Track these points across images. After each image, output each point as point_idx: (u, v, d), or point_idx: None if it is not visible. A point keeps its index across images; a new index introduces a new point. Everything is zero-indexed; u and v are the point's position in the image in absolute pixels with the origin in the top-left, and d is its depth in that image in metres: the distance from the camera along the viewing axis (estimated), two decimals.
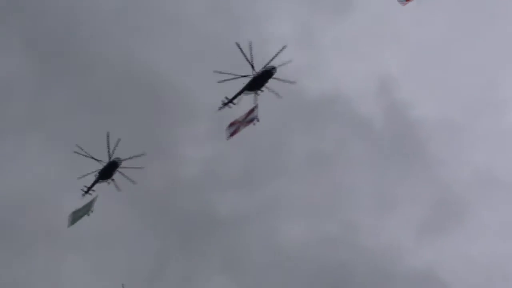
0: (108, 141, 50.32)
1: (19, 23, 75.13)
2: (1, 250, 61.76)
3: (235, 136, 46.36)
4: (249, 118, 45.45)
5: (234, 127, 46.43)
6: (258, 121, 46.25)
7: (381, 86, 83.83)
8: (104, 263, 72.13)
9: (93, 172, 53.23)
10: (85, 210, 49.04)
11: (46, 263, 70.02)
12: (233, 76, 47.09)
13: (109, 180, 52.22)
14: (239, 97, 48.03)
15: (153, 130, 76.04)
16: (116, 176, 53.67)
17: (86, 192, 50.33)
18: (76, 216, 49.14)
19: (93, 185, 51.30)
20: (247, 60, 46.29)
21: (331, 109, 79.32)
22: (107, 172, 52.13)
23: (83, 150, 48.59)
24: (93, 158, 49.44)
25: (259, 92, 47.89)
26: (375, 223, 77.79)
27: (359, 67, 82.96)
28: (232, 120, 47.60)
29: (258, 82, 47.34)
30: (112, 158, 51.72)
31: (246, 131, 75.08)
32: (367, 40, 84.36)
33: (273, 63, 47.66)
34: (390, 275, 72.26)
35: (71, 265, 70.22)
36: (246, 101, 50.43)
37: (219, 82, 46.80)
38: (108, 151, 51.57)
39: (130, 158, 51.15)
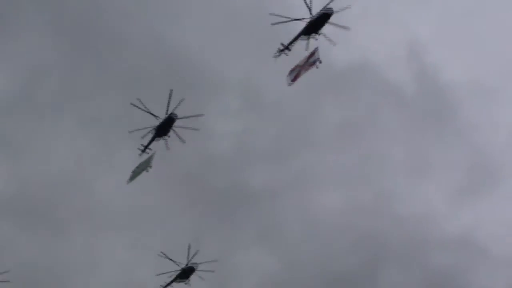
0: (170, 97, 48.89)
1: (48, 7, 75.23)
2: (41, 228, 62.64)
3: (297, 81, 44.58)
4: (311, 60, 43.77)
5: (295, 72, 44.89)
6: (320, 62, 44.31)
7: (410, 52, 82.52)
8: (142, 239, 72.87)
9: (145, 128, 51.73)
10: (144, 166, 48.28)
11: (84, 240, 71.00)
12: (288, 19, 45.27)
13: (166, 137, 51.08)
14: (296, 42, 46.26)
15: (183, 106, 76.13)
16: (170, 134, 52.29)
17: (143, 150, 49.29)
18: (135, 173, 48.48)
19: (150, 143, 50.36)
20: (305, 2, 44.59)
21: (360, 77, 78.35)
22: (164, 128, 50.94)
23: (142, 103, 47.27)
24: (150, 113, 48.18)
25: (316, 36, 45.90)
26: (409, 190, 77.19)
27: (387, 33, 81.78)
28: (292, 66, 45.86)
29: (315, 25, 45.57)
30: (169, 114, 49.95)
31: (276, 102, 74.92)
32: (395, 6, 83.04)
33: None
34: (426, 242, 71.80)
35: (109, 241, 71.05)
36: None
37: (273, 24, 45.05)
38: (167, 107, 50.12)
39: (187, 117, 49.97)
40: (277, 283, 70.41)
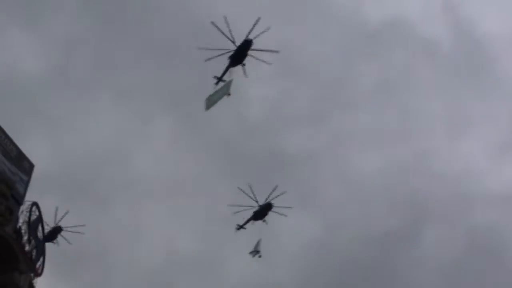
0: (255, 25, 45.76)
1: None
2: (83, 201, 63.20)
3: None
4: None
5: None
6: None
7: (444, 5, 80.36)
8: (182, 206, 73.19)
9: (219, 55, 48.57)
10: (222, 92, 45.60)
11: (125, 211, 71.65)
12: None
13: (243, 63, 48.28)
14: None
15: (217, 73, 75.45)
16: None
17: (219, 80, 46.55)
18: (212, 100, 45.75)
19: (225, 72, 47.92)
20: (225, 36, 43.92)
21: (394, 34, 76.65)
22: (240, 54, 47.98)
23: (218, 28, 44.68)
24: (226, 36, 45.49)
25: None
26: (448, 147, 75.91)
27: None
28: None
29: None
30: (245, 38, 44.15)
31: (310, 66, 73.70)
32: None
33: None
34: (468, 199, 70.71)
35: (150, 210, 71.50)
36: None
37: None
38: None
39: (262, 51, 47.17)
40: (319, 244, 70.34)
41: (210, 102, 44.76)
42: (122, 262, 67.89)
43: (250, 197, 50.01)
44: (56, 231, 46.49)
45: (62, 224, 46.63)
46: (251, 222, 51.53)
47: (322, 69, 73.44)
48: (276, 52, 45.89)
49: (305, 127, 72.63)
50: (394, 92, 75.83)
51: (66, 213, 46.50)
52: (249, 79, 75.46)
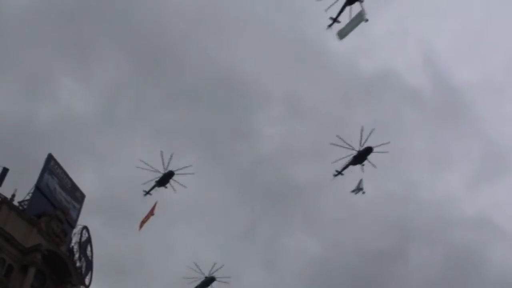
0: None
1: (122, 35, 76.65)
2: (123, 223, 63.86)
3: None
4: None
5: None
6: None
7: (425, 58, 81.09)
8: (206, 228, 73.70)
9: None
10: (357, 21, 38.72)
11: (160, 231, 72.11)
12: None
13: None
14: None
15: (236, 116, 76.54)
16: None
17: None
18: (345, 31, 39.30)
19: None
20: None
21: (384, 83, 77.32)
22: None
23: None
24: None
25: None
26: (431, 178, 76.02)
27: (404, 44, 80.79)
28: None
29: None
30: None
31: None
32: (410, 21, 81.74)
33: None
34: (448, 222, 70.62)
35: (180, 231, 72.05)
36: None
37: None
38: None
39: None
40: (320, 261, 70.43)
41: (343, 32, 38.61)
42: (157, 273, 68.24)
43: (347, 144, 41.29)
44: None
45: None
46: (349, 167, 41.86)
47: (323, 112, 74.24)
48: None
49: (310, 161, 73.21)
50: (385, 132, 76.02)
51: None
52: (261, 119, 76.41)
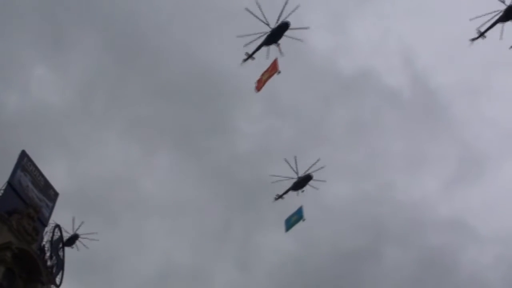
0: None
1: (96, 27, 76.08)
2: (95, 219, 63.77)
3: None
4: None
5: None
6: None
7: (404, 59, 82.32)
8: (179, 226, 73.98)
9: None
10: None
11: (131, 227, 72.30)
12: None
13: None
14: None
15: (214, 113, 76.68)
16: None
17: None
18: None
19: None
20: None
21: (363, 83, 78.33)
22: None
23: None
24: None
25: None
26: (407, 180, 77.43)
27: (384, 44, 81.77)
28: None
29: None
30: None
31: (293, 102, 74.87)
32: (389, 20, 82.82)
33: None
34: (422, 224, 72.07)
35: (152, 228, 72.22)
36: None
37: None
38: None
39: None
40: (295, 259, 71.29)
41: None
42: (127, 270, 68.42)
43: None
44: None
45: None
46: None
47: (303, 111, 74.97)
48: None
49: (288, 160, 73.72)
50: (363, 132, 77.33)
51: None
52: (239, 117, 76.83)
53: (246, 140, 75.17)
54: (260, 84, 40.38)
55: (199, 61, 74.96)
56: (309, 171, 46.28)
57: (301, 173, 46.19)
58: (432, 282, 68.46)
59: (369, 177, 75.63)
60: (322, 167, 46.11)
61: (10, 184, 34.19)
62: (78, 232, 46.21)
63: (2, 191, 34.01)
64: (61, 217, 38.84)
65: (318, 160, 45.86)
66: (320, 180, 46.68)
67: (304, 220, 45.16)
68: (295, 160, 46.18)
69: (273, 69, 39.75)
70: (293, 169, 46.14)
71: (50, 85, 74.16)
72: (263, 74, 40.36)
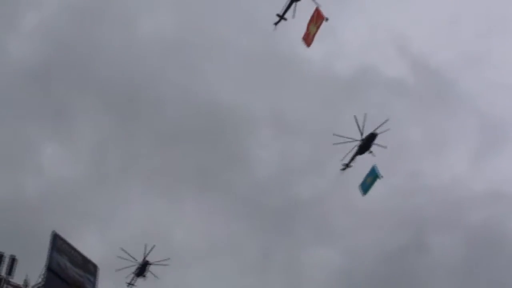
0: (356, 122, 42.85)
1: (93, 89, 76.58)
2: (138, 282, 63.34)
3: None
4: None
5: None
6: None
7: (398, 47, 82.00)
8: (220, 266, 73.21)
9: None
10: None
11: (173, 283, 71.56)
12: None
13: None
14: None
15: (226, 146, 76.69)
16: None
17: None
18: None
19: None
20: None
21: (365, 79, 78.05)
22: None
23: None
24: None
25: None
26: (433, 164, 76.52)
27: (375, 37, 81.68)
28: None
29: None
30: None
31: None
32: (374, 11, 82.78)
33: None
34: (460, 204, 71.15)
35: (194, 277, 71.44)
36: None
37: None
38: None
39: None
40: (343, 271, 70.44)
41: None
42: None
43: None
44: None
45: None
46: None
47: (311, 123, 74.67)
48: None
49: (310, 174, 73.45)
50: (375, 127, 76.50)
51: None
52: (251, 144, 76.61)
53: (264, 165, 74.86)
54: (309, 39, 36.94)
55: (200, 99, 75.30)
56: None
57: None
58: (485, 259, 67.38)
59: (395, 171, 74.43)
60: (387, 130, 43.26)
61: (49, 269, 34.15)
62: None
63: (43, 277, 33.97)
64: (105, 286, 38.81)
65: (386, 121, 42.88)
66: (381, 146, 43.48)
67: (381, 177, 42.63)
68: (357, 121, 42.91)
69: (319, 18, 35.11)
70: (360, 129, 43.29)
71: (61, 159, 74.25)
72: (308, 27, 35.62)
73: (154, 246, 46.33)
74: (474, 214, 72.09)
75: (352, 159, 44.37)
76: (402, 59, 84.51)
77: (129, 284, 43.51)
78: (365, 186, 43.22)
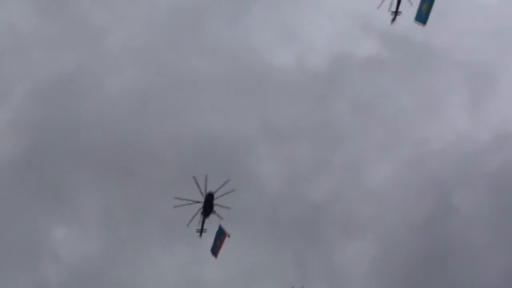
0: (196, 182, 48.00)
1: (91, 164, 76.53)
2: None
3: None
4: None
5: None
6: (229, 236, 47.41)
7: (363, 28, 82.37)
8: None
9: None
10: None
11: None
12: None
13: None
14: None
15: (228, 173, 76.37)
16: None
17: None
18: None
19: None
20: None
21: (343, 66, 78.63)
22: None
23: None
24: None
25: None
26: (435, 128, 77.00)
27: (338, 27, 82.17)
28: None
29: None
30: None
31: None
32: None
33: None
34: (474, 159, 71.75)
35: None
36: None
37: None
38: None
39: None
40: (378, 259, 70.52)
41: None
42: None
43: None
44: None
45: None
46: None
47: (303, 128, 75.35)
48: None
49: (321, 177, 73.35)
50: (369, 111, 76.90)
51: None
52: (254, 163, 76.64)
53: (272, 182, 74.46)
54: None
55: (187, 138, 75.12)
56: None
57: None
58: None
59: (399, 145, 75.35)
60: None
61: None
62: None
63: None
64: None
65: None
66: None
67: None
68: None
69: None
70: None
71: (74, 240, 73.99)
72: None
73: None
74: (488, 161, 72.49)
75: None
76: (370, 36, 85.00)
77: None
78: (422, 16, 40.43)
